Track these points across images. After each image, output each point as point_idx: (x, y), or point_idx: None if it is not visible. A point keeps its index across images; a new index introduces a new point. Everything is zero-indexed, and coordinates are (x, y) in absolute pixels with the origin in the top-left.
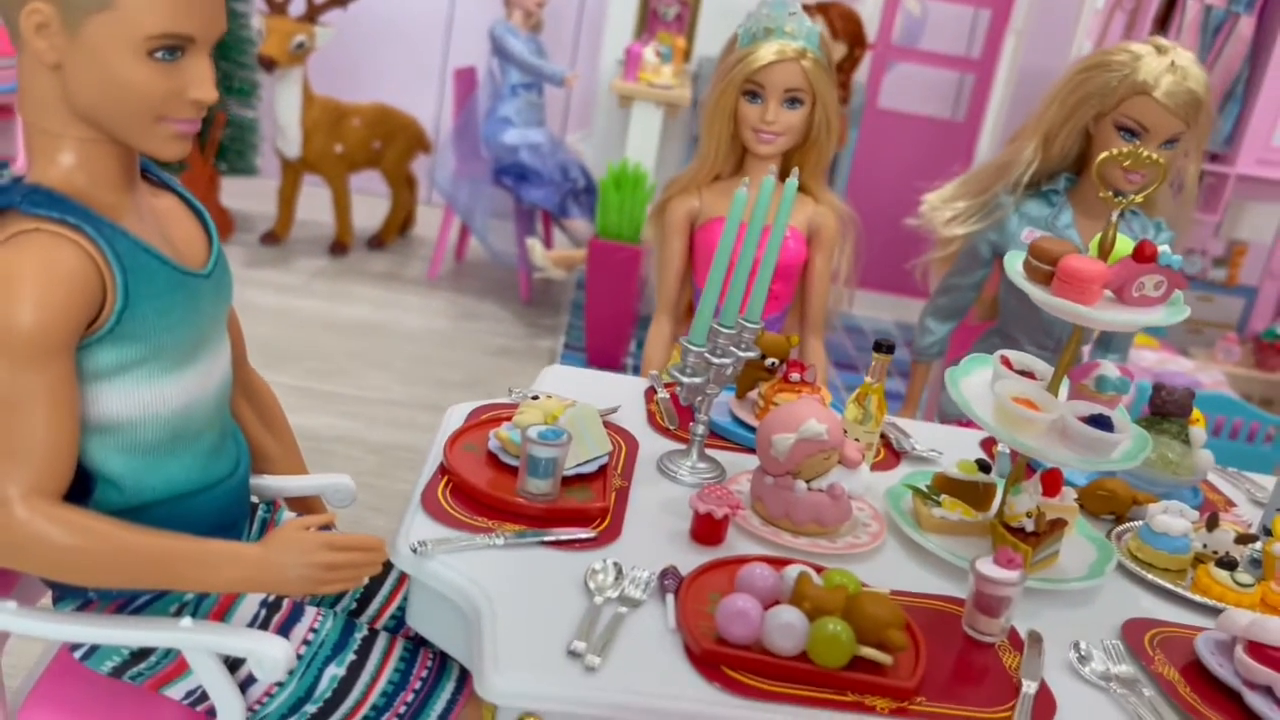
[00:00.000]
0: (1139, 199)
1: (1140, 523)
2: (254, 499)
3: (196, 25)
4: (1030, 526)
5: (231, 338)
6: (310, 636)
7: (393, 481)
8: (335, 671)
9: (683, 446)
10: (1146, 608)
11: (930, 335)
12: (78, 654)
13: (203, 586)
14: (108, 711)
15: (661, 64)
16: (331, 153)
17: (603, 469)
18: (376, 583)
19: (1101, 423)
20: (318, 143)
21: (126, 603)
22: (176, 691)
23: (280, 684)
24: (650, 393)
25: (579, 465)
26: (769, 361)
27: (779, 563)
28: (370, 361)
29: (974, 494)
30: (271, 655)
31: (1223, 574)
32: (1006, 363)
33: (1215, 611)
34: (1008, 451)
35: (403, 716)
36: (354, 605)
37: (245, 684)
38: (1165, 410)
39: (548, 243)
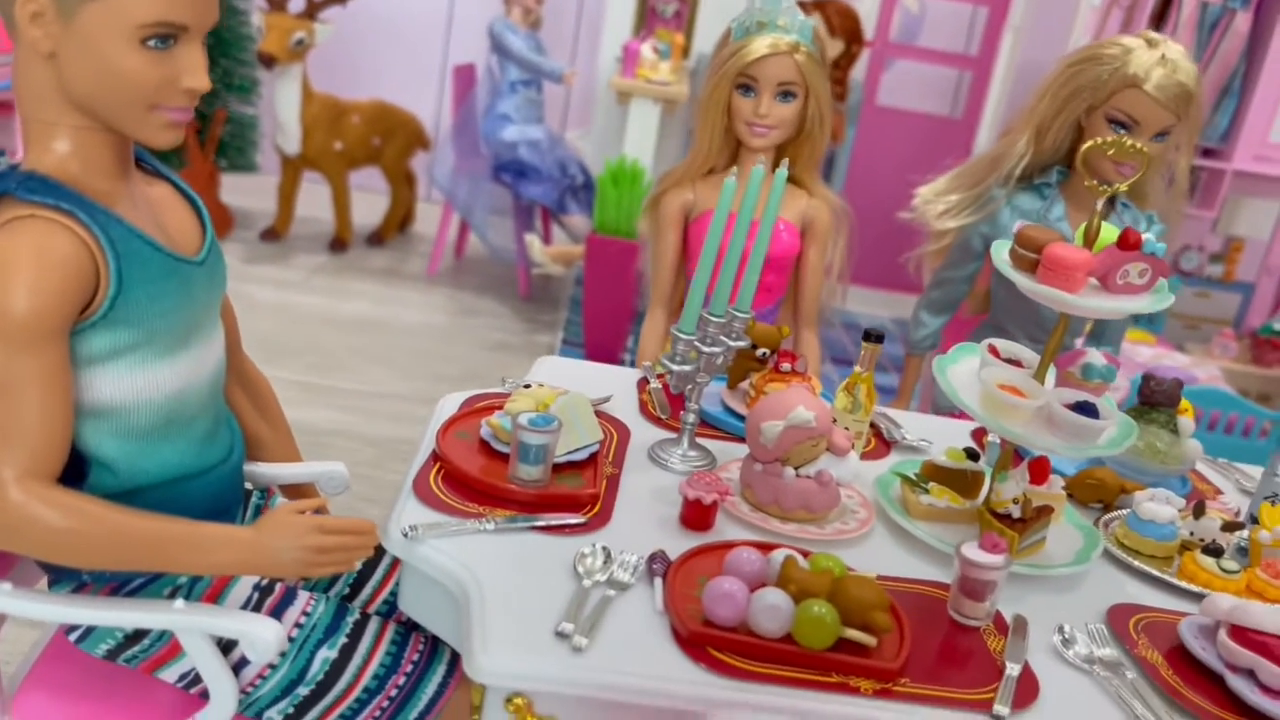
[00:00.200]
0: (1123, 187)
1: (1128, 511)
2: (248, 486)
3: (189, 14)
4: (1017, 513)
5: (226, 326)
6: (302, 620)
7: (389, 474)
8: (327, 654)
9: (674, 435)
10: (1133, 594)
11: (924, 328)
12: (72, 637)
13: (195, 569)
14: (103, 694)
15: (659, 60)
16: (331, 149)
17: (594, 456)
18: (369, 568)
19: (1087, 410)
20: (317, 139)
21: (121, 585)
22: (170, 674)
23: (273, 666)
24: (643, 383)
25: (570, 453)
26: (760, 352)
27: (767, 548)
28: (369, 357)
29: (962, 482)
30: (263, 637)
31: (1209, 560)
32: (994, 351)
33: (1201, 598)
34: (998, 442)
35: (394, 699)
36: (347, 590)
37: (238, 667)
38: (1154, 400)
39: (546, 239)
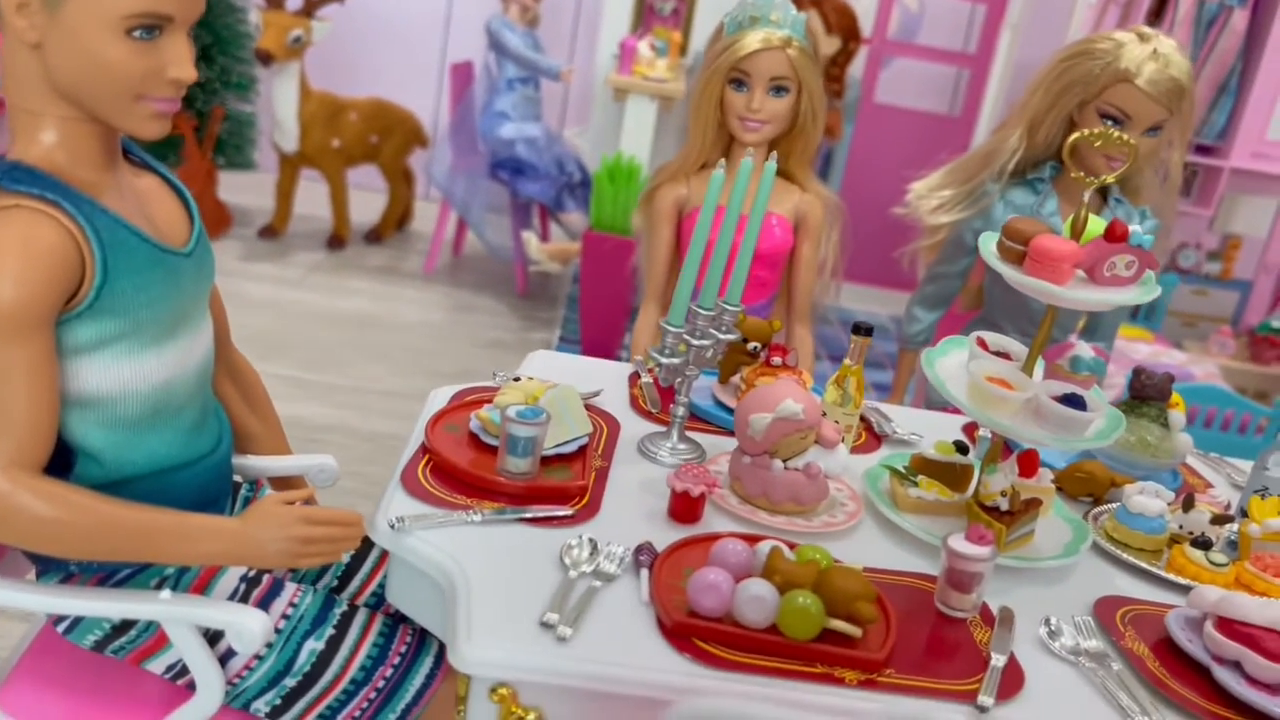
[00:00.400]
0: (1111, 179)
1: (1117, 504)
2: (237, 478)
3: (173, 5)
4: (1005, 505)
5: (215, 318)
6: (289, 611)
7: (382, 469)
8: (314, 646)
9: (664, 429)
10: (1121, 587)
11: (917, 323)
12: (60, 628)
13: (182, 559)
14: (91, 686)
15: (657, 58)
16: (329, 147)
17: (583, 449)
18: (358, 560)
19: (1074, 402)
20: (315, 137)
21: (108, 576)
22: (158, 665)
23: (259, 657)
24: (634, 377)
25: (559, 445)
26: (751, 346)
27: (754, 539)
28: (365, 353)
29: (951, 475)
30: (249, 627)
31: (1197, 554)
32: (982, 344)
33: (1189, 590)
34: (989, 436)
35: (381, 691)
36: (335, 583)
37: (225, 658)
38: (1144, 394)
39: (544, 236)
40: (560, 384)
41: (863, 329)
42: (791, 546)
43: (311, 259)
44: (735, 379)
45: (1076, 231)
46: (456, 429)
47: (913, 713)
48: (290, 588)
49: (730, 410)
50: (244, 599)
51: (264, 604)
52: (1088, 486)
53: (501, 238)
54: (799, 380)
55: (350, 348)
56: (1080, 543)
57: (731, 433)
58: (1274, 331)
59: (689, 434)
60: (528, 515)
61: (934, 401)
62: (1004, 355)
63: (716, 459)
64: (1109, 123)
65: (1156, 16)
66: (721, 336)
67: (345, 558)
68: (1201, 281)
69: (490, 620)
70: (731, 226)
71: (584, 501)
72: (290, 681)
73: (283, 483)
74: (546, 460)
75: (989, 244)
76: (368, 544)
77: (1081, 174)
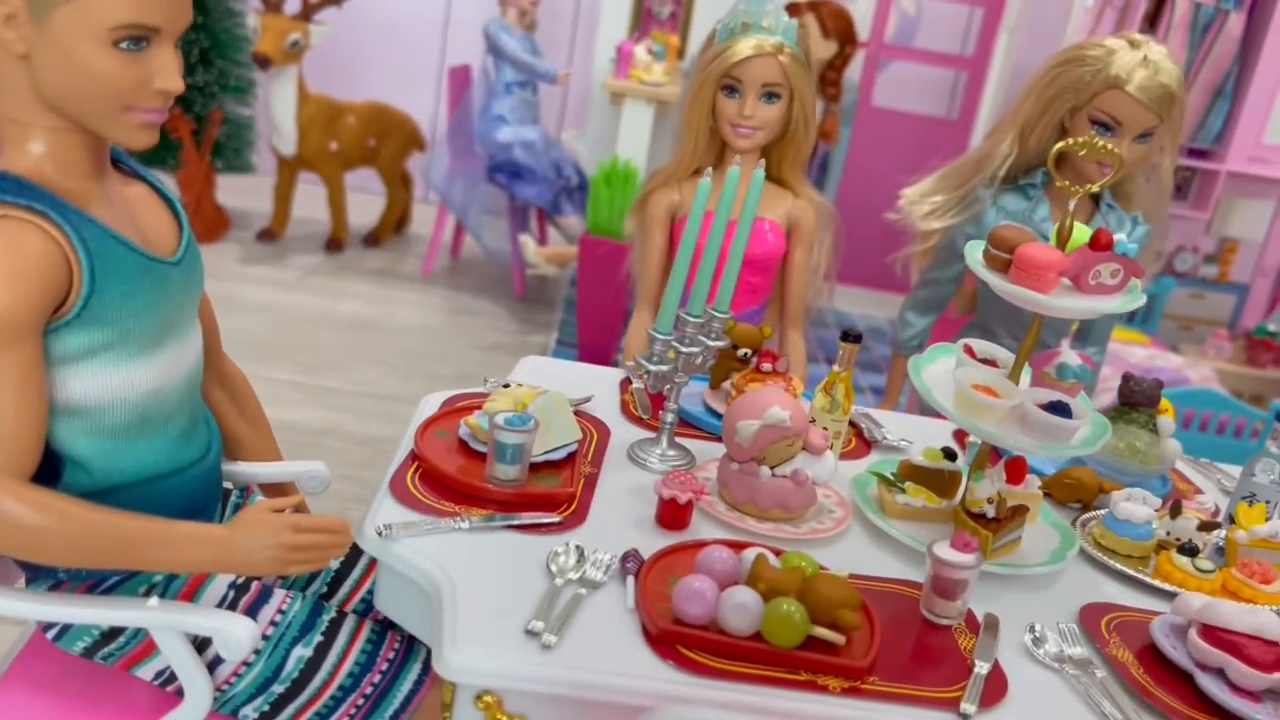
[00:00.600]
0: (1095, 188)
1: (1105, 511)
2: (228, 485)
3: (161, 16)
4: (991, 512)
5: (204, 325)
6: (278, 618)
7: (377, 474)
8: (302, 652)
9: (654, 435)
10: (1109, 594)
11: (910, 328)
12: (50, 634)
13: (169, 567)
14: (80, 692)
15: (654, 62)
16: (327, 150)
17: (572, 456)
18: (347, 567)
19: (1060, 409)
20: (313, 140)
21: (97, 583)
22: (146, 672)
23: (248, 664)
24: (625, 383)
25: (548, 452)
26: (742, 352)
27: (741, 546)
28: (363, 356)
29: (939, 481)
30: (236, 634)
31: (1184, 560)
32: (970, 351)
33: (1176, 597)
34: (979, 442)
35: (369, 697)
36: (324, 589)
37: (213, 664)
38: (1134, 400)
39: (543, 239)
40: (550, 390)
41: (851, 336)
42: (778, 553)
43: (309, 262)
44: (726, 385)
45: (1062, 240)
46: (446, 435)
47: None
48: (279, 594)
49: (720, 416)
50: (232, 606)
51: (252, 611)
52: (1076, 493)
53: (499, 241)
54: (788, 386)
55: (347, 351)
56: (1067, 549)
57: (721, 439)
58: (1270, 335)
59: (679, 440)
60: (515, 522)
61: (927, 407)
62: (991, 362)
63: (706, 465)
64: (1100, 129)
65: (1152, 20)
66: (710, 343)
67: (334, 564)
68: (1198, 285)
69: (476, 627)
70: (720, 233)
71: (572, 508)
72: (278, 688)
73: (274, 489)
74: (535, 467)
75: (975, 252)
76: (357, 551)
77: (1067, 183)
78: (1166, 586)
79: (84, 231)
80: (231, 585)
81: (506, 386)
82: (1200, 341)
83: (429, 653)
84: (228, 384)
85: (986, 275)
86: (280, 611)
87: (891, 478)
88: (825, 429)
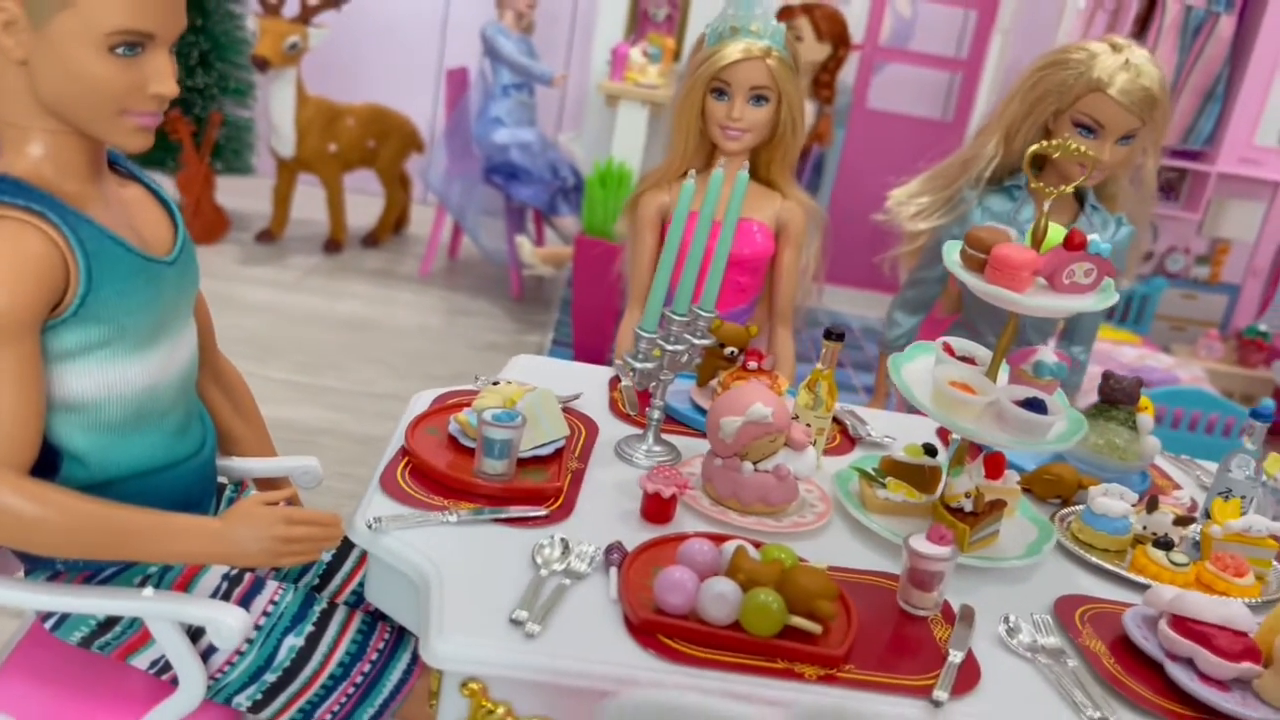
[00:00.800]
0: (1069, 188)
1: (1084, 506)
2: (223, 479)
3: (155, 22)
4: (969, 507)
5: (199, 324)
6: (270, 608)
7: (374, 471)
8: (294, 642)
9: (642, 431)
10: (1085, 587)
11: (898, 328)
12: (48, 625)
13: (164, 558)
14: (78, 681)
15: (649, 64)
16: (325, 152)
17: (559, 452)
18: (339, 560)
19: (1036, 406)
20: (312, 142)
21: (94, 574)
22: (142, 661)
23: (240, 653)
24: (615, 381)
25: (535, 448)
26: (729, 350)
27: (723, 539)
28: (361, 356)
29: (920, 477)
30: (228, 624)
31: (1158, 554)
32: (948, 349)
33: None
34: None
35: (359, 686)
36: (316, 581)
37: (207, 654)
38: (1113, 398)
39: (539, 240)
40: (538, 388)
41: (834, 334)
42: (758, 546)
43: (308, 263)
44: (713, 383)
45: (1037, 240)
46: (436, 432)
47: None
48: (271, 586)
49: (706, 413)
50: (225, 597)
51: (245, 602)
52: (1056, 489)
53: (497, 242)
54: (773, 384)
55: (346, 351)
56: (1044, 543)
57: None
58: (1261, 335)
59: (666, 437)
60: (503, 516)
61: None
62: (970, 360)
63: (691, 461)
64: (1083, 131)
65: (1144, 23)
66: (696, 341)
67: (326, 557)
68: (1190, 286)
69: (461, 617)
70: (704, 233)
71: (559, 503)
72: (270, 676)
73: (267, 484)
74: (523, 462)
75: (952, 253)
76: (349, 544)
77: (1041, 184)
78: (1141, 580)
79: (81, 232)
80: (225, 576)
81: (496, 384)
82: (1192, 342)
83: (418, 643)
84: (223, 381)
85: (963, 275)
86: (273, 602)
87: (873, 473)
88: (808, 425)
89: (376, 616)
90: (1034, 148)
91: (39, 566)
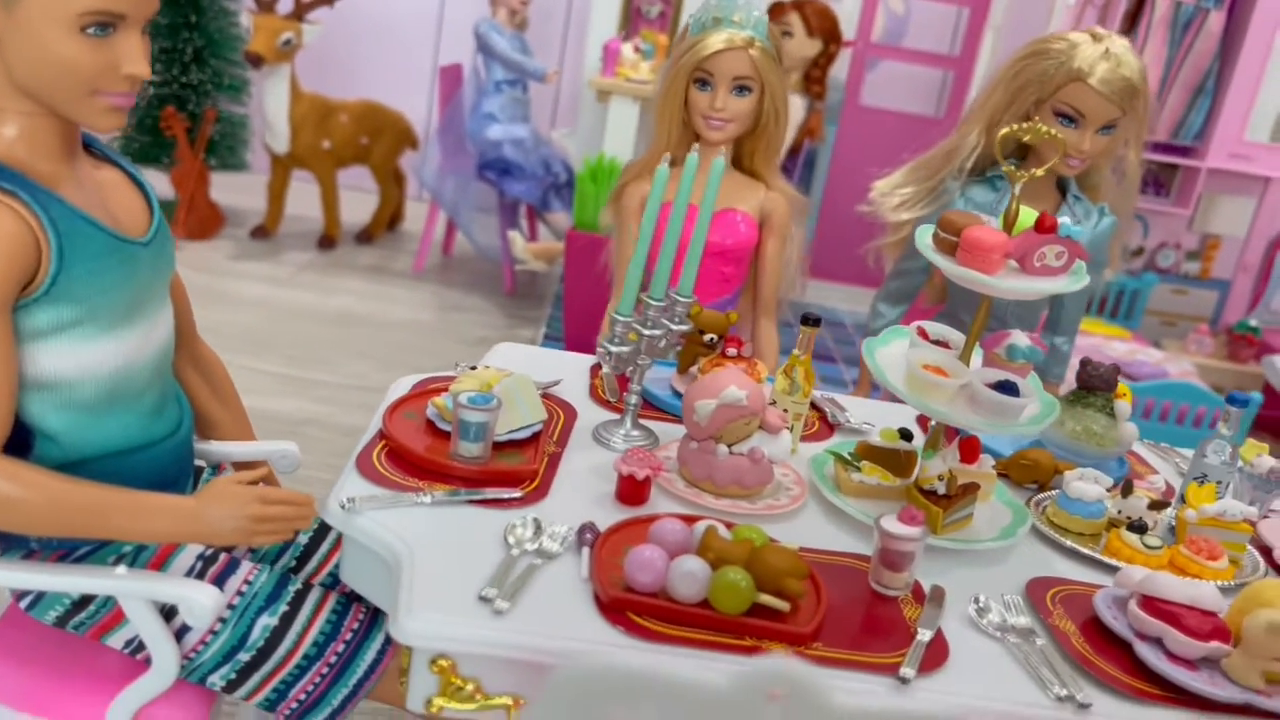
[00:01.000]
0: (1039, 172)
1: (1060, 490)
2: (200, 463)
3: (126, 3)
4: (942, 489)
5: (177, 308)
6: (244, 588)
7: None
8: (268, 621)
9: (620, 417)
10: (1059, 570)
11: (882, 319)
12: (23, 604)
13: (138, 536)
14: (54, 660)
15: (642, 60)
16: (319, 148)
17: (536, 436)
18: (315, 542)
19: (1008, 389)
20: (306, 138)
21: (68, 553)
22: (116, 640)
23: (214, 632)
24: (596, 368)
25: (512, 432)
26: (708, 337)
27: (695, 520)
28: (352, 350)
29: (895, 461)
30: (200, 602)
31: (1132, 537)
32: (922, 333)
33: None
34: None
35: (333, 666)
36: (293, 563)
37: (181, 633)
38: (1091, 385)
39: (532, 236)
40: (515, 373)
41: (810, 320)
42: (729, 526)
43: (302, 258)
44: (693, 369)
45: (1009, 223)
46: (414, 416)
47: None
48: (246, 565)
49: None
50: (200, 576)
51: (219, 581)
52: (1033, 474)
53: (490, 238)
54: (750, 370)
55: (338, 345)
56: (1018, 526)
57: None
58: (1251, 330)
59: (645, 422)
60: (478, 498)
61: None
62: (943, 344)
63: (668, 445)
64: (1064, 121)
65: (1133, 18)
66: (674, 327)
67: (302, 538)
68: (1180, 281)
69: (431, 594)
70: (680, 218)
71: (534, 485)
72: (244, 656)
73: (245, 468)
74: (500, 445)
75: (925, 236)
76: (325, 527)
77: (1012, 168)
78: (1115, 563)
79: (53, 211)
80: (200, 556)
81: (474, 369)
82: (1182, 337)
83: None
84: (201, 366)
85: (935, 258)
86: (247, 582)
87: (849, 457)
88: (785, 410)
89: (352, 598)
90: (1005, 131)
91: (13, 545)
